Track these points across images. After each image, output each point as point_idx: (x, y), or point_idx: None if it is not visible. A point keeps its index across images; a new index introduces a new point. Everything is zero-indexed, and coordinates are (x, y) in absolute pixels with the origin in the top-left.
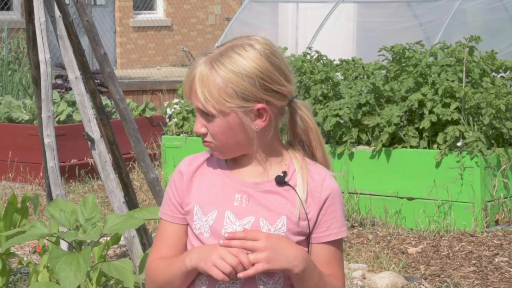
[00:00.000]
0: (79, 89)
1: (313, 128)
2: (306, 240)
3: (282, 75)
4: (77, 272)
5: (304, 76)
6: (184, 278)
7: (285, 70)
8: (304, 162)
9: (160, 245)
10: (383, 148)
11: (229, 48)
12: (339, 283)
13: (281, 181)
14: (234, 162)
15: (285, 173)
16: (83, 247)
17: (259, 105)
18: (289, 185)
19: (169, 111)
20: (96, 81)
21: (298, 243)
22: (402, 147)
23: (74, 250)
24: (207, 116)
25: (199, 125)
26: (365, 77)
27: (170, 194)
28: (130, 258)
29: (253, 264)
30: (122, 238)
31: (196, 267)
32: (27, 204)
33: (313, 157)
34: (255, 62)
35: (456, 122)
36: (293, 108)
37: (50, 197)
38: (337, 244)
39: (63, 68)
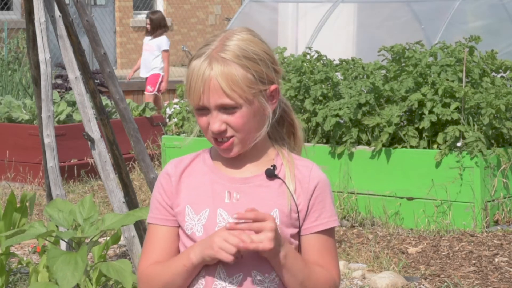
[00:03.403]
0: (79, 89)
1: (292, 108)
2: (297, 233)
3: (275, 55)
4: (75, 271)
5: (304, 76)
6: (188, 276)
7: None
8: (290, 156)
9: (151, 250)
10: (383, 148)
11: (226, 39)
12: (331, 273)
13: (271, 174)
14: (221, 159)
15: (274, 166)
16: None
17: (273, 86)
18: (279, 178)
19: (169, 111)
20: (96, 81)
21: (292, 236)
22: (402, 147)
23: (74, 250)
24: (229, 109)
25: (219, 123)
26: (365, 77)
27: (158, 198)
28: (130, 258)
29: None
30: (122, 238)
31: (202, 259)
32: (26, 203)
33: (295, 139)
34: (259, 45)
35: (456, 122)
36: (282, 102)
37: (50, 197)
38: (328, 234)
39: (63, 68)
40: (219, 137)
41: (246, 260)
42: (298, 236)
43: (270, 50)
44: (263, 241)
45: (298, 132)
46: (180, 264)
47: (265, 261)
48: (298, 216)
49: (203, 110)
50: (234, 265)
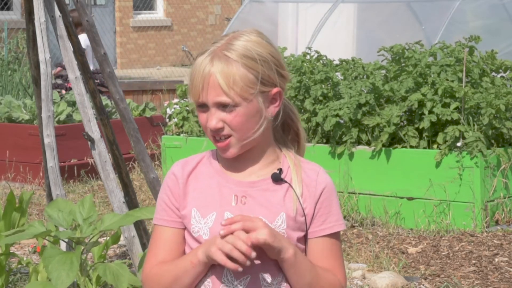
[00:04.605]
0: (79, 89)
1: (302, 131)
2: (304, 237)
3: (283, 60)
4: (70, 271)
5: (304, 76)
6: (195, 274)
7: (281, 56)
8: (297, 159)
9: (158, 251)
10: (383, 148)
11: (234, 38)
12: (337, 277)
13: (277, 178)
14: (227, 162)
15: (280, 170)
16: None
17: (276, 89)
18: (286, 181)
19: (169, 111)
20: (96, 81)
21: (298, 239)
22: (402, 147)
23: (73, 250)
24: (227, 107)
25: (215, 120)
26: (365, 77)
27: (165, 199)
28: (130, 258)
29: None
30: (122, 238)
31: (207, 257)
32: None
33: (298, 145)
34: (265, 47)
35: (456, 122)
36: (287, 108)
37: (50, 197)
38: (335, 237)
39: (63, 68)
40: (216, 135)
41: (253, 263)
42: (305, 239)
43: (278, 54)
44: (262, 234)
45: (302, 142)
46: (188, 261)
47: (273, 264)
48: (305, 219)
49: (203, 107)
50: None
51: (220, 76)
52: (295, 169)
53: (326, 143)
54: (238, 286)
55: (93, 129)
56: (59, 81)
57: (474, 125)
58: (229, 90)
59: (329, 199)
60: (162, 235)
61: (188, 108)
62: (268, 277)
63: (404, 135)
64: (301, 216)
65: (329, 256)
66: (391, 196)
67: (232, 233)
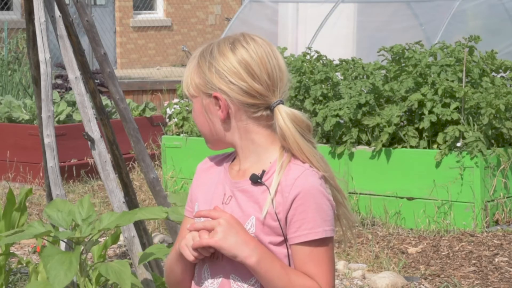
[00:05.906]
0: (79, 89)
1: (289, 136)
2: (284, 241)
3: (248, 72)
4: (68, 271)
5: (304, 76)
6: (180, 265)
7: (256, 70)
8: (287, 160)
9: (179, 240)
10: (383, 148)
11: (220, 39)
12: (318, 284)
13: (254, 179)
14: (236, 160)
15: (263, 172)
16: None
17: (215, 93)
18: (264, 184)
19: (169, 111)
20: (96, 81)
21: (274, 244)
22: (402, 147)
23: (72, 250)
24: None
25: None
26: (365, 77)
27: (189, 191)
28: (130, 258)
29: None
30: (122, 238)
31: (179, 249)
32: (26, 202)
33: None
34: (223, 54)
35: (456, 122)
36: (274, 114)
37: (50, 197)
38: (315, 245)
39: (63, 68)
40: None
41: (225, 264)
42: (285, 244)
43: (233, 64)
44: (212, 236)
45: (299, 158)
46: (176, 252)
47: (242, 267)
48: (280, 225)
49: None
50: (216, 267)
51: (186, 70)
52: (278, 171)
53: (326, 143)
54: (212, 285)
55: (93, 129)
56: (59, 81)
57: (474, 125)
58: (185, 84)
59: (304, 206)
60: (184, 225)
61: (188, 108)
62: (239, 279)
63: (404, 135)
64: (274, 221)
65: (310, 263)
66: (391, 196)
67: (197, 229)
